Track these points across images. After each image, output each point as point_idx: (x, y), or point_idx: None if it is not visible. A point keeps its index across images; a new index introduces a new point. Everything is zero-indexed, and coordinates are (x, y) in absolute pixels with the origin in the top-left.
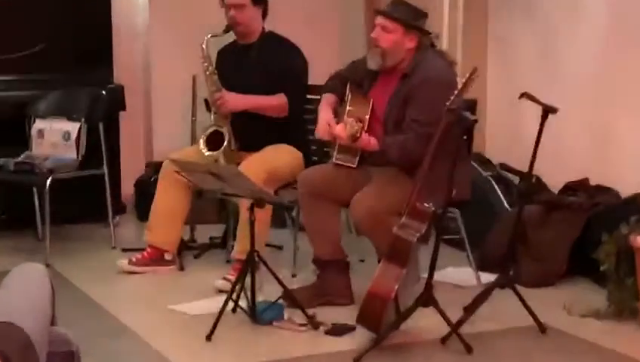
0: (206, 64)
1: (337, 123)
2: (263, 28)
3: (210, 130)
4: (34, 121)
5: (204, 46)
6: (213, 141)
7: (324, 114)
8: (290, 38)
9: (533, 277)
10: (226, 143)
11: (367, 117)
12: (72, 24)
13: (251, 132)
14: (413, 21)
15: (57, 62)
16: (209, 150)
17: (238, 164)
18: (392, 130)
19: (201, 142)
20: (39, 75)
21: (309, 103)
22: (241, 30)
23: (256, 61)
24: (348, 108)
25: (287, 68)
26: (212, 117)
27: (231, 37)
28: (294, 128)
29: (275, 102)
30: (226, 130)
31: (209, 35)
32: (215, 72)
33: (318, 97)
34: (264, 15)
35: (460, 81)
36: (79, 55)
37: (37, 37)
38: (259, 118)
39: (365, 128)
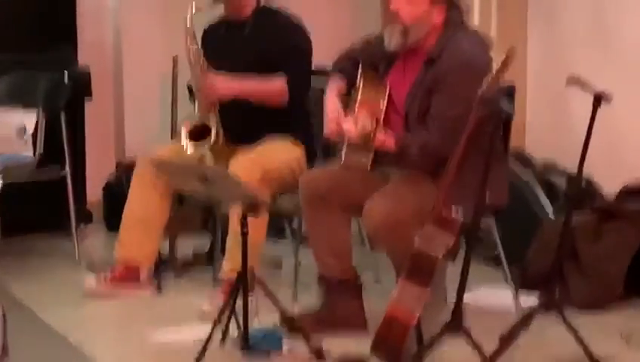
0: (190, 42)
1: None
2: (258, 1)
3: (195, 120)
4: None
5: (187, 20)
6: (198, 134)
7: (332, 105)
8: (292, 12)
9: (583, 298)
10: (213, 136)
11: (383, 108)
12: None
13: (243, 122)
14: None
15: (10, 39)
16: (193, 145)
17: (228, 161)
18: (414, 125)
19: (184, 134)
20: None
21: (313, 93)
22: (232, 3)
23: (249, 40)
24: (359, 97)
25: (288, 47)
26: (196, 105)
27: (220, 12)
28: (295, 119)
29: (273, 87)
30: (213, 121)
31: (193, 9)
32: (201, 52)
33: (322, 87)
34: None
35: (495, 65)
36: (37, 31)
37: None
38: (252, 106)
39: (380, 126)
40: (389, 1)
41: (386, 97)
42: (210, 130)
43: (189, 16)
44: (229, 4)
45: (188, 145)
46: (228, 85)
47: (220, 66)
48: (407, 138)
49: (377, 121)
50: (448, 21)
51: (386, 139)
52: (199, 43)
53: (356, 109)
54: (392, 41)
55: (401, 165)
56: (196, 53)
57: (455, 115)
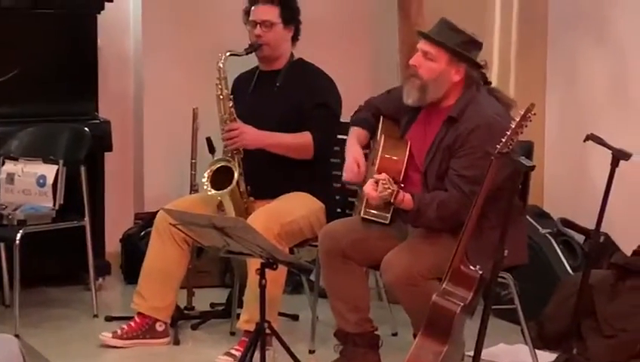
0: (221, 86)
1: (367, 169)
2: (292, 54)
3: (218, 165)
4: (3, 163)
5: (221, 64)
6: (220, 180)
7: (353, 150)
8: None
9: (601, 356)
10: (234, 183)
11: (403, 168)
12: (50, 47)
13: (266, 175)
14: (462, 49)
15: (31, 92)
16: (213, 189)
17: (247, 210)
18: (433, 184)
19: (206, 176)
20: (9, 107)
21: (337, 144)
22: (267, 53)
23: (280, 92)
24: (380, 153)
25: (318, 102)
26: (214, 156)
27: (251, 62)
28: (318, 173)
29: (299, 142)
30: (236, 167)
31: (227, 53)
32: (231, 97)
33: (346, 137)
34: (294, 39)
35: (514, 121)
36: (58, 84)
37: (7, 62)
38: (277, 159)
39: (400, 189)
40: (408, 57)
41: (407, 155)
42: (231, 178)
43: (222, 61)
44: (263, 55)
45: (209, 187)
46: (257, 136)
47: (247, 117)
48: (427, 198)
49: (397, 182)
50: (469, 80)
51: (404, 200)
52: (230, 88)
53: (376, 170)
54: (410, 97)
55: (417, 224)
56: (226, 97)
57: (474, 177)
